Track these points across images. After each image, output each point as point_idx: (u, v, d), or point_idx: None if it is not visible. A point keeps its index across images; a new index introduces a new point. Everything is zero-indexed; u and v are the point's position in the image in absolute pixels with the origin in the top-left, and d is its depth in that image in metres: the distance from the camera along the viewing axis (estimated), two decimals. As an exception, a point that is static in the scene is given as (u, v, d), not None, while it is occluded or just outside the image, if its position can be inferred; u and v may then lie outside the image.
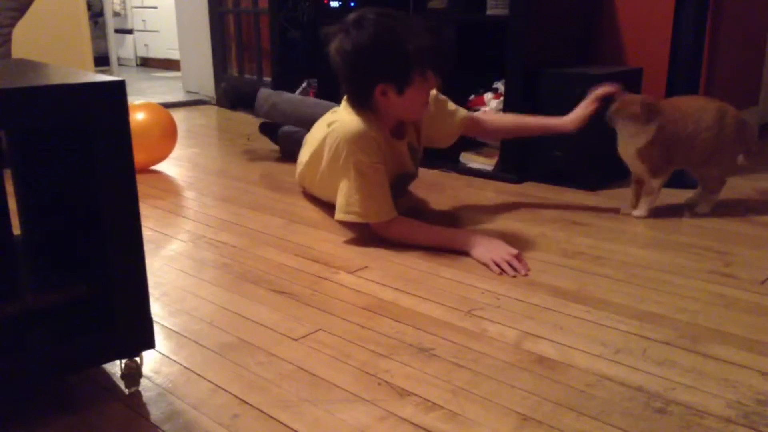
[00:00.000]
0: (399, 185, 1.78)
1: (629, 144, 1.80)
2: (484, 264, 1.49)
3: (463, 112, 1.89)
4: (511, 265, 1.46)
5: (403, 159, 1.77)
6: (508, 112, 2.18)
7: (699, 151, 1.79)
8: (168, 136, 2.34)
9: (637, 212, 1.85)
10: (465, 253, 1.55)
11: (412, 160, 1.82)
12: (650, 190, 1.83)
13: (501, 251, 1.50)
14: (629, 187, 1.90)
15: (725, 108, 1.81)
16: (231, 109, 2.66)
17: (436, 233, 1.62)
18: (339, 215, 1.64)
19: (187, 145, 2.80)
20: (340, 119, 1.66)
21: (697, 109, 1.80)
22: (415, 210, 1.89)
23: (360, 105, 1.64)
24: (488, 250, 1.52)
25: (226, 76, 2.63)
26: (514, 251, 1.50)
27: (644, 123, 1.75)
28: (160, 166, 2.42)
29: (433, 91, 1.75)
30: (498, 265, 1.47)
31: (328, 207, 1.81)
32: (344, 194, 1.63)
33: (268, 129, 2.57)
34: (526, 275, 1.44)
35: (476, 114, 1.95)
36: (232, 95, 2.55)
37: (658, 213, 1.87)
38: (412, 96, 1.61)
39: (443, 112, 1.86)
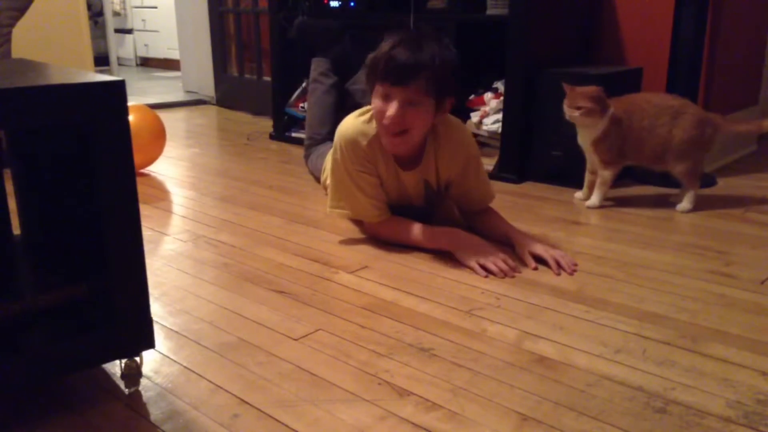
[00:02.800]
0: (402, 214, 1.66)
1: (585, 135, 1.90)
2: (469, 267, 1.47)
3: (486, 202, 1.71)
4: (497, 266, 1.44)
5: (408, 190, 1.67)
6: (508, 114, 2.18)
7: (650, 147, 1.86)
8: (157, 138, 2.33)
9: (589, 202, 1.94)
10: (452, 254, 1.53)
11: (426, 197, 1.70)
12: (602, 182, 1.92)
13: (486, 253, 1.47)
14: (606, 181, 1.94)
15: (686, 106, 1.85)
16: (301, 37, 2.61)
17: (421, 232, 1.58)
18: (328, 209, 1.67)
19: (187, 145, 2.80)
20: (348, 117, 1.65)
21: (654, 106, 1.86)
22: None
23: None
24: (473, 252, 1.49)
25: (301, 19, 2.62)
26: (502, 254, 1.47)
27: (596, 115, 1.83)
28: (160, 167, 2.42)
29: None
30: (483, 267, 1.45)
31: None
32: (333, 188, 1.65)
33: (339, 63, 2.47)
34: (513, 276, 1.44)
35: (491, 209, 1.71)
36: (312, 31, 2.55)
37: (657, 213, 1.88)
38: (373, 104, 1.54)
39: (470, 186, 1.68)
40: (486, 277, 1.43)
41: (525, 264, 1.49)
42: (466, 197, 1.70)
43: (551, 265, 1.46)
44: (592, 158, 1.93)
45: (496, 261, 1.45)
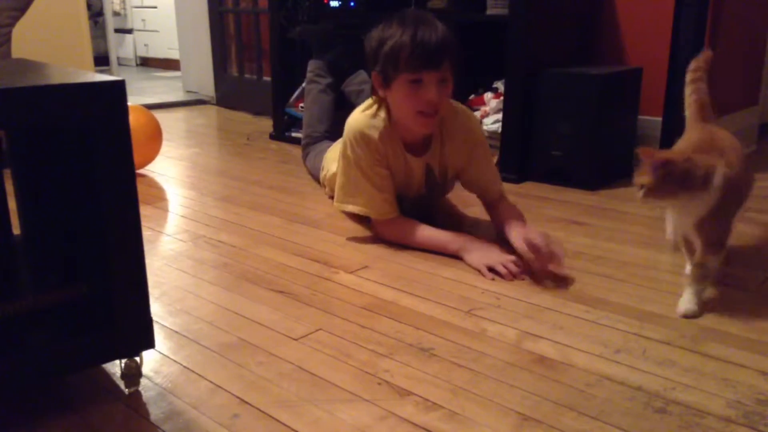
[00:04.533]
0: (406, 206, 1.67)
1: (684, 215, 1.27)
2: (477, 269, 1.47)
3: (497, 187, 1.68)
4: (506, 268, 1.43)
5: (414, 178, 1.66)
6: (508, 114, 2.18)
7: (744, 197, 1.33)
8: (153, 139, 2.32)
9: (687, 309, 1.25)
10: (459, 258, 1.53)
11: (426, 184, 1.69)
12: (706, 274, 1.26)
13: (495, 256, 1.47)
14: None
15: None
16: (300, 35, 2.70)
17: (431, 236, 1.58)
18: (336, 204, 1.66)
19: (187, 145, 2.80)
20: (354, 112, 1.65)
21: (732, 146, 1.29)
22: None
23: (375, 94, 1.60)
24: (482, 255, 1.48)
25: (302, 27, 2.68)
26: (510, 257, 1.46)
27: (700, 189, 1.18)
28: (160, 166, 2.42)
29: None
30: (492, 270, 1.44)
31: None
32: (343, 185, 1.64)
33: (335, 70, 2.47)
34: (522, 279, 1.43)
35: (503, 200, 1.68)
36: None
37: (657, 213, 1.87)
38: (399, 94, 1.52)
39: (481, 168, 1.68)
40: (493, 279, 1.43)
41: (518, 251, 1.46)
42: (477, 183, 1.69)
43: (542, 253, 1.40)
44: (689, 240, 1.33)
45: (504, 264, 1.44)
